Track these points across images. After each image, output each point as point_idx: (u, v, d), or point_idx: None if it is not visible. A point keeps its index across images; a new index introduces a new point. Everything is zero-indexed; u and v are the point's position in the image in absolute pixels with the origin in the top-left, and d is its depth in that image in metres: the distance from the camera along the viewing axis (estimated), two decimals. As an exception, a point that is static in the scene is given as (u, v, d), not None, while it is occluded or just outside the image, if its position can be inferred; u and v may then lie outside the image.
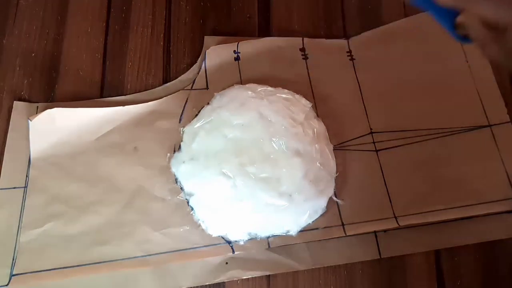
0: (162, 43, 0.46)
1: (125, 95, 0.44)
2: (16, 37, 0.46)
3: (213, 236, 0.38)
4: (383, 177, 0.40)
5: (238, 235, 0.38)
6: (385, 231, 0.39)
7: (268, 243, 0.38)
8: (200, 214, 0.38)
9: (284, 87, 0.41)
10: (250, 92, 0.40)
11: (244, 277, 0.38)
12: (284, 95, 0.41)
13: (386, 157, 0.41)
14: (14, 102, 0.43)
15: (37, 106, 0.43)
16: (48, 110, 0.40)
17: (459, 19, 0.28)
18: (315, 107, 0.42)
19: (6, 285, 0.36)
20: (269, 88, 0.41)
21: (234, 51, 0.44)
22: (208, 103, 0.41)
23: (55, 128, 0.41)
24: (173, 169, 0.40)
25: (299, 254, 0.39)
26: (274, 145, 0.38)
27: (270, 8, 0.48)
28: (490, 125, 0.42)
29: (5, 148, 0.41)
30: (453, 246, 0.40)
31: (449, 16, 0.29)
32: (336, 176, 0.39)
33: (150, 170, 0.40)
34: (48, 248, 0.37)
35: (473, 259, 0.40)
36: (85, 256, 0.37)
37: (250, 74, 0.43)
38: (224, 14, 0.47)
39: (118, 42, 0.46)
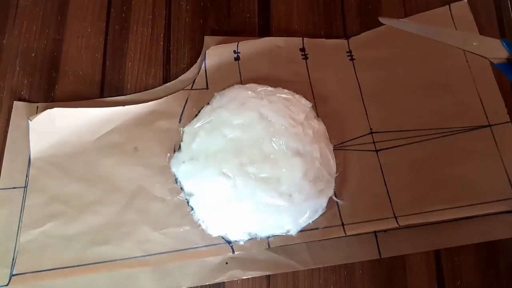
0: (162, 43, 0.46)
1: (125, 95, 0.44)
2: (16, 37, 0.46)
3: (213, 236, 0.38)
4: (383, 177, 0.40)
5: (238, 235, 0.38)
6: (385, 231, 0.40)
7: (268, 243, 0.38)
8: (200, 214, 0.38)
9: (284, 87, 0.41)
10: (250, 92, 0.40)
11: (244, 277, 0.38)
12: (284, 95, 0.41)
13: (386, 157, 0.41)
14: (14, 102, 0.43)
15: (37, 106, 0.43)
16: (48, 110, 0.40)
17: None
18: (315, 107, 0.42)
19: (6, 285, 0.36)
20: (269, 88, 0.41)
21: (234, 51, 0.44)
22: (208, 103, 0.41)
23: (55, 128, 0.41)
24: (173, 169, 0.40)
25: (299, 254, 0.39)
26: (274, 145, 0.38)
27: (270, 8, 0.48)
28: (490, 125, 0.42)
29: (5, 148, 0.41)
30: (453, 246, 0.40)
31: None
32: (336, 176, 0.39)
33: (150, 170, 0.40)
34: (48, 248, 0.37)
35: (473, 259, 0.40)
36: (85, 256, 0.37)
37: (250, 74, 0.43)
38: (224, 14, 0.47)
39: (118, 42, 0.46)
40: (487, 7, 0.47)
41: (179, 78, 0.45)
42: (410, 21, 0.43)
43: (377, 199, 0.40)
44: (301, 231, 0.38)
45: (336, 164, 0.40)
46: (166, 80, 0.45)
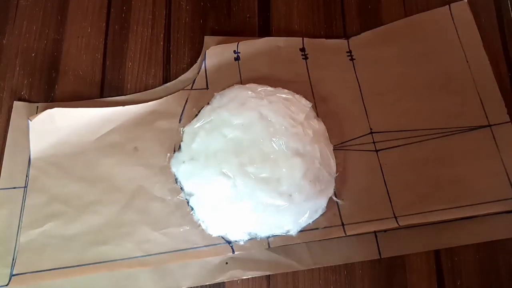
0: (162, 43, 0.46)
1: (125, 95, 0.44)
2: (16, 37, 0.46)
3: (213, 236, 0.38)
4: (383, 177, 0.40)
5: (238, 235, 0.38)
6: (385, 231, 0.40)
7: (268, 243, 0.38)
8: (200, 214, 0.38)
9: (284, 87, 0.41)
10: (250, 92, 0.40)
11: (244, 277, 0.38)
12: (284, 95, 0.41)
13: (386, 157, 0.41)
14: (14, 102, 0.43)
15: (37, 106, 0.43)
16: (48, 110, 0.40)
17: None
18: (315, 107, 0.42)
19: (6, 285, 0.36)
20: (269, 88, 0.41)
21: (234, 51, 0.44)
22: (208, 103, 0.41)
23: (55, 128, 0.41)
24: (173, 169, 0.40)
25: (299, 254, 0.39)
26: (274, 145, 0.38)
27: (270, 8, 0.48)
28: (490, 125, 0.42)
29: (5, 148, 0.41)
30: (453, 246, 0.40)
31: None
32: (336, 176, 0.39)
33: (150, 170, 0.40)
34: (48, 248, 0.37)
35: (473, 259, 0.40)
36: (85, 256, 0.37)
37: (250, 74, 0.43)
38: (224, 14, 0.47)
39: (118, 42, 0.46)
40: (487, 7, 0.47)
41: (179, 78, 0.45)
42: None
43: (377, 199, 0.40)
44: (301, 231, 0.38)
45: (336, 164, 0.40)
46: (166, 80, 0.45)
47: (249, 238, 0.38)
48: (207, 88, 0.43)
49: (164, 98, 0.43)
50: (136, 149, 0.41)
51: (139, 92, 0.44)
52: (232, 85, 0.42)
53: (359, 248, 0.39)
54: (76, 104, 0.43)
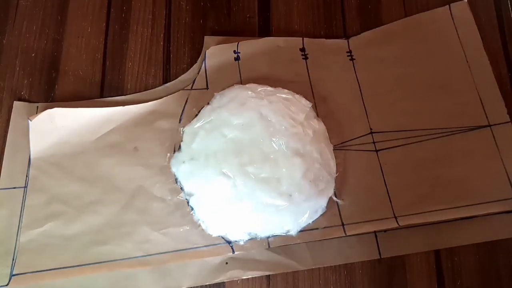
0: (162, 43, 0.46)
1: (125, 95, 0.44)
2: (16, 37, 0.46)
3: (213, 236, 0.38)
4: (383, 177, 0.40)
5: (238, 235, 0.38)
6: (385, 231, 0.40)
7: (268, 243, 0.38)
8: (200, 214, 0.38)
9: (284, 87, 0.41)
10: (250, 92, 0.40)
11: (244, 277, 0.38)
12: (284, 95, 0.41)
13: (386, 157, 0.41)
14: (14, 102, 0.43)
15: (37, 106, 0.43)
16: (48, 110, 0.40)
17: None
18: (315, 107, 0.42)
19: (6, 285, 0.36)
20: (269, 88, 0.41)
21: (234, 51, 0.44)
22: (208, 103, 0.41)
23: (55, 128, 0.41)
24: (173, 169, 0.40)
25: (299, 254, 0.39)
26: (274, 145, 0.38)
27: (270, 8, 0.48)
28: (490, 125, 0.42)
29: (5, 148, 0.41)
30: (453, 246, 0.40)
31: None
32: (336, 176, 0.39)
33: (150, 170, 0.40)
34: (48, 248, 0.37)
35: (473, 259, 0.40)
36: (85, 256, 0.37)
37: (250, 74, 0.43)
38: (224, 14, 0.47)
39: (118, 42, 0.46)
40: (487, 7, 0.47)
41: (179, 78, 0.45)
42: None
43: (377, 199, 0.40)
44: (301, 231, 0.38)
45: (336, 164, 0.40)
46: (166, 80, 0.45)
47: (249, 238, 0.38)
48: (207, 88, 0.43)
49: (164, 98, 0.43)
50: (136, 149, 0.41)
51: (139, 92, 0.44)
52: (232, 85, 0.42)
53: (359, 248, 0.39)
54: (76, 104, 0.43)
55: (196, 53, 0.46)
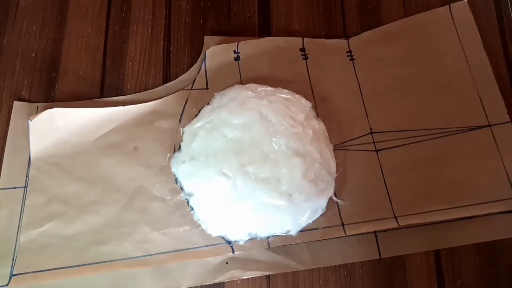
0: (162, 43, 0.46)
1: (125, 95, 0.44)
2: (16, 37, 0.46)
3: (213, 236, 0.38)
4: (383, 177, 0.40)
5: (238, 235, 0.38)
6: (385, 231, 0.40)
7: (268, 243, 0.38)
8: (200, 214, 0.38)
9: (284, 87, 0.41)
10: (250, 92, 0.40)
11: (244, 277, 0.38)
12: (284, 95, 0.41)
13: (386, 157, 0.41)
14: (14, 102, 0.43)
15: (37, 106, 0.43)
16: (48, 110, 0.40)
17: None
18: (315, 107, 0.42)
19: (6, 285, 0.36)
20: (269, 88, 0.41)
21: (234, 51, 0.44)
22: (208, 103, 0.41)
23: (55, 128, 0.41)
24: (173, 169, 0.40)
25: (299, 254, 0.39)
26: (274, 145, 0.38)
27: (270, 8, 0.48)
28: (490, 125, 0.42)
29: (5, 148, 0.41)
30: (453, 246, 0.40)
31: None
32: (336, 176, 0.39)
33: (150, 170, 0.40)
34: (48, 248, 0.37)
35: (473, 259, 0.40)
36: (85, 256, 0.37)
37: (250, 74, 0.43)
38: (224, 14, 0.47)
39: (118, 42, 0.46)
40: (487, 7, 0.47)
41: (179, 78, 0.45)
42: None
43: (377, 199, 0.40)
44: (301, 231, 0.38)
45: (336, 164, 0.40)
46: (166, 80, 0.45)
47: (249, 238, 0.38)
48: (207, 88, 0.43)
49: (164, 98, 0.43)
50: (136, 149, 0.41)
51: (139, 92, 0.44)
52: (232, 85, 0.42)
53: (359, 248, 0.39)
54: (76, 104, 0.43)
55: (196, 53, 0.46)
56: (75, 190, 0.39)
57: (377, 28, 0.47)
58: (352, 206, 0.39)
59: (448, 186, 0.40)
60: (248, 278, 0.39)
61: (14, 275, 0.36)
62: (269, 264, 0.38)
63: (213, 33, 0.47)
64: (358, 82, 0.44)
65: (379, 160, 0.41)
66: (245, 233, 0.38)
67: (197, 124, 0.40)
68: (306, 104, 0.41)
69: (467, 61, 0.44)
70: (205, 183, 0.38)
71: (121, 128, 0.42)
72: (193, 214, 0.38)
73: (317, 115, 0.42)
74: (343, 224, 0.39)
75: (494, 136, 0.42)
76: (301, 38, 0.46)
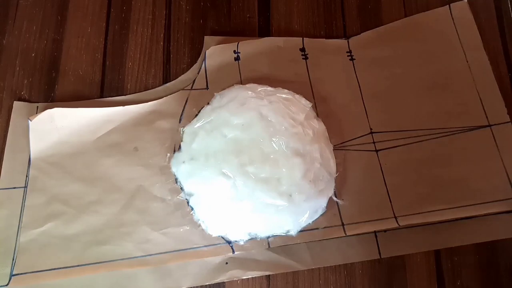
0: (162, 43, 0.46)
1: (125, 95, 0.44)
2: (16, 37, 0.46)
3: (213, 236, 0.38)
4: (383, 177, 0.40)
5: (238, 235, 0.38)
6: (385, 231, 0.40)
7: (268, 243, 0.38)
8: (200, 214, 0.38)
9: (284, 87, 0.41)
10: (250, 92, 0.40)
11: (244, 277, 0.38)
12: (284, 95, 0.41)
13: (386, 157, 0.41)
14: (14, 102, 0.43)
15: (37, 106, 0.43)
16: (48, 110, 0.40)
17: None
18: (315, 107, 0.42)
19: (6, 285, 0.36)
20: (269, 88, 0.41)
21: (234, 51, 0.44)
22: (208, 103, 0.41)
23: (55, 128, 0.41)
24: (173, 169, 0.40)
25: (299, 254, 0.39)
26: (274, 145, 0.38)
27: (270, 8, 0.48)
28: (490, 125, 0.42)
29: (5, 148, 0.41)
30: (453, 246, 0.40)
31: None
32: (336, 176, 0.39)
33: (150, 170, 0.40)
34: (48, 248, 0.37)
35: (473, 259, 0.40)
36: (85, 256, 0.37)
37: (250, 74, 0.43)
38: (224, 14, 0.47)
39: (118, 42, 0.46)
40: (487, 7, 0.47)
41: (179, 78, 0.45)
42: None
43: (377, 199, 0.40)
44: (301, 231, 0.38)
45: (336, 164, 0.40)
46: (166, 80, 0.45)
47: (249, 238, 0.38)
48: (207, 88, 0.43)
49: (164, 98, 0.43)
50: (136, 149, 0.41)
51: (139, 92, 0.44)
52: (232, 85, 0.42)
53: (359, 248, 0.39)
54: (76, 104, 0.43)
55: (196, 53, 0.46)
56: (75, 190, 0.39)
57: (377, 28, 0.47)
58: (352, 206, 0.39)
59: (448, 186, 0.40)
60: (248, 278, 0.39)
61: (14, 275, 0.36)
62: (269, 264, 0.38)
63: (213, 33, 0.47)
64: (358, 82, 0.44)
65: (379, 160, 0.41)
66: (245, 233, 0.38)
67: (197, 124, 0.40)
68: (306, 104, 0.41)
69: (467, 61, 0.44)
70: (205, 183, 0.38)
71: (121, 128, 0.42)
72: (193, 214, 0.38)
73: (317, 115, 0.42)
74: (343, 224, 0.39)
75: (494, 136, 0.42)
76: (301, 38, 0.46)
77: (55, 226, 0.38)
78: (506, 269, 0.40)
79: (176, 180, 0.40)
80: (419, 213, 0.39)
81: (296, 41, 0.45)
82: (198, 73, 0.44)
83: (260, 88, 0.41)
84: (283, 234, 0.38)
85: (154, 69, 0.45)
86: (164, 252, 0.38)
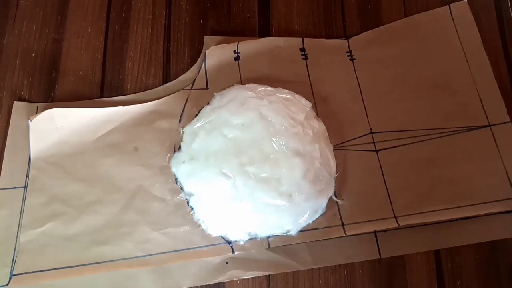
0: (162, 43, 0.46)
1: (125, 95, 0.44)
2: (16, 37, 0.46)
3: (213, 236, 0.38)
4: (383, 177, 0.40)
5: (238, 235, 0.38)
6: (385, 231, 0.40)
7: (268, 243, 0.38)
8: (200, 214, 0.38)
9: (284, 87, 0.41)
10: (250, 92, 0.40)
11: (244, 277, 0.38)
12: (284, 95, 0.41)
13: (386, 157, 0.41)
14: (14, 102, 0.43)
15: (37, 106, 0.43)
16: (48, 110, 0.40)
17: None
18: (315, 107, 0.42)
19: (6, 285, 0.36)
20: (269, 88, 0.41)
21: (234, 51, 0.44)
22: (208, 103, 0.41)
23: (55, 128, 0.41)
24: (173, 169, 0.40)
25: (299, 254, 0.39)
26: (274, 145, 0.38)
27: (270, 8, 0.48)
28: (490, 125, 0.42)
29: (5, 148, 0.41)
30: (453, 246, 0.40)
31: None
32: (336, 176, 0.39)
33: (150, 170, 0.40)
34: (48, 248, 0.37)
35: (473, 259, 0.40)
36: (85, 256, 0.37)
37: (250, 74, 0.43)
38: (224, 14, 0.47)
39: (118, 42, 0.46)
40: (487, 7, 0.47)
41: (179, 78, 0.45)
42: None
43: (377, 199, 0.40)
44: (301, 231, 0.38)
45: (336, 164, 0.40)
46: (166, 80, 0.45)
47: (249, 238, 0.38)
48: (207, 88, 0.43)
49: (164, 98, 0.43)
50: (136, 149, 0.41)
51: (139, 92, 0.44)
52: (232, 85, 0.42)
53: (359, 248, 0.39)
54: (76, 104, 0.43)
55: (196, 53, 0.46)
56: (75, 190, 0.39)
57: (377, 28, 0.47)
58: (352, 206, 0.39)
59: (448, 186, 0.40)
60: (248, 278, 0.39)
61: (14, 275, 0.36)
62: (269, 264, 0.38)
63: (213, 33, 0.47)
64: (358, 82, 0.44)
65: (379, 160, 0.41)
66: (245, 233, 0.38)
67: (197, 124, 0.40)
68: (306, 104, 0.41)
69: (467, 61, 0.44)
70: (205, 183, 0.38)
71: (121, 128, 0.42)
72: (193, 214, 0.38)
73: (317, 115, 0.42)
74: (343, 224, 0.39)
75: (494, 136, 0.42)
76: (301, 38, 0.46)
77: (55, 226, 0.38)
78: (506, 269, 0.40)
79: (176, 180, 0.40)
80: (419, 213, 0.39)
81: (296, 41, 0.45)
82: (198, 73, 0.44)
83: (260, 88, 0.41)
84: (283, 234, 0.38)
85: (154, 69, 0.45)
86: (164, 252, 0.38)
